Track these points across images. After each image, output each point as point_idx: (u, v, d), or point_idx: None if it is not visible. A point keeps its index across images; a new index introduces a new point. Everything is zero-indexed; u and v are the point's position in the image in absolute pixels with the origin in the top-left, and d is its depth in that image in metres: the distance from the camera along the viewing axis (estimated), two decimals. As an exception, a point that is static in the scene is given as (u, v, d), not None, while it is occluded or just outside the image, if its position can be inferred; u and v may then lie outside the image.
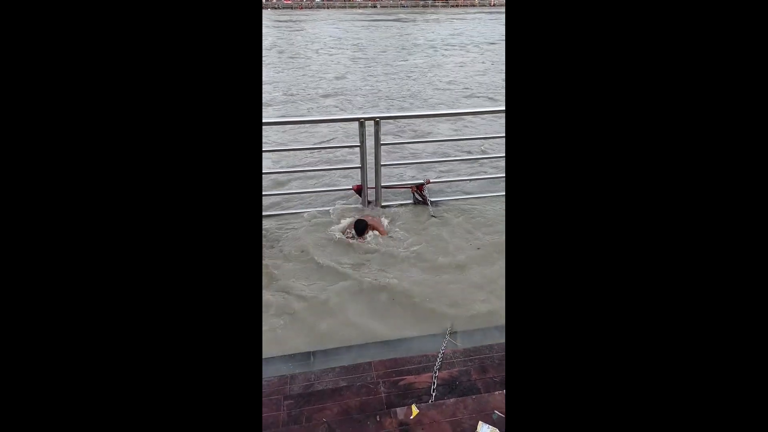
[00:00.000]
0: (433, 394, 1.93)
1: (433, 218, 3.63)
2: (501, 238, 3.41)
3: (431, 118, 6.20)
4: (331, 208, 3.71)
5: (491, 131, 5.61)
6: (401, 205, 3.81)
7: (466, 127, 6.03)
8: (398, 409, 1.79)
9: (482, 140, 5.29)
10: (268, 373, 2.34)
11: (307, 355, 2.50)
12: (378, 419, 1.74)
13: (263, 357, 2.53)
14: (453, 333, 2.50)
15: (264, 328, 2.68)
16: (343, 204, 3.78)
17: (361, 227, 3.25)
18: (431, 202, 3.79)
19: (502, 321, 2.62)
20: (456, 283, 2.97)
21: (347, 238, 3.28)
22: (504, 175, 4.16)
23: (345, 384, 2.05)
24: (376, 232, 3.32)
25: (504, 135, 3.79)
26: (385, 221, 3.49)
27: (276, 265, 3.14)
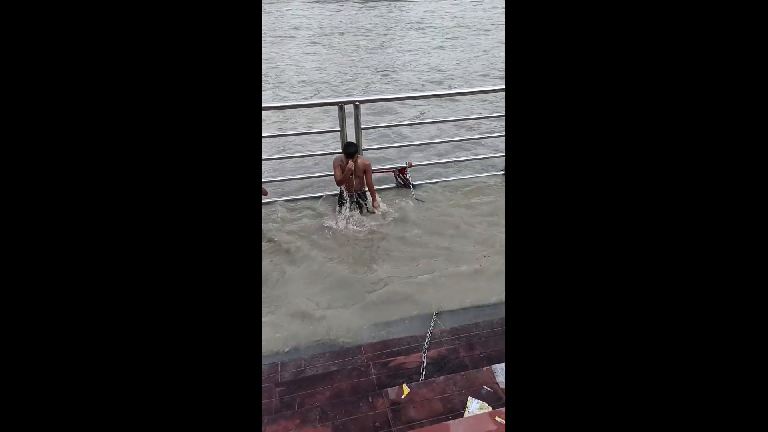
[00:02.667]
0: (423, 373, 1.97)
1: (418, 201, 3.65)
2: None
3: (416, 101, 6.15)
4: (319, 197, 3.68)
5: (475, 113, 5.63)
6: (384, 189, 3.81)
7: (454, 110, 6.03)
8: (390, 390, 1.82)
9: (464, 121, 5.29)
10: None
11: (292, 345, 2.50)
12: (370, 400, 1.77)
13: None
14: (439, 313, 2.54)
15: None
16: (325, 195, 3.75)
17: (351, 150, 3.25)
18: (413, 185, 3.79)
19: (486, 297, 2.68)
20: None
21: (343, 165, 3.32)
22: (491, 156, 4.21)
23: (335, 368, 2.07)
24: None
25: (489, 116, 3.81)
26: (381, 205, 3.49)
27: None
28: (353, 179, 3.39)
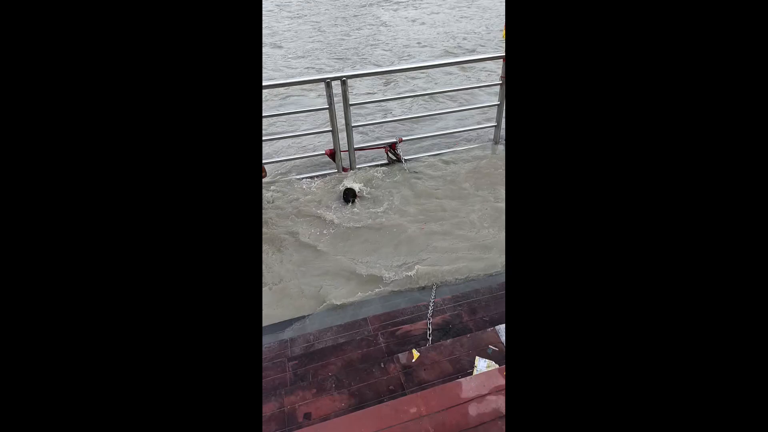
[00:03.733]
0: (430, 339, 2.05)
1: (411, 173, 3.68)
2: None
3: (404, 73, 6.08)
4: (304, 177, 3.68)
5: (466, 83, 5.59)
6: (376, 166, 3.82)
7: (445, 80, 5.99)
8: (400, 355, 1.89)
9: (456, 92, 5.27)
10: (267, 340, 2.39)
11: (301, 320, 2.56)
12: (382, 366, 1.84)
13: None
14: (440, 286, 2.61)
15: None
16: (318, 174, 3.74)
17: (350, 194, 3.29)
18: (405, 159, 3.81)
19: (483, 269, 2.76)
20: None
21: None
22: (481, 125, 4.23)
23: (344, 340, 2.13)
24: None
25: (478, 86, 3.79)
26: (356, 186, 3.51)
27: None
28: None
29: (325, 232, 3.14)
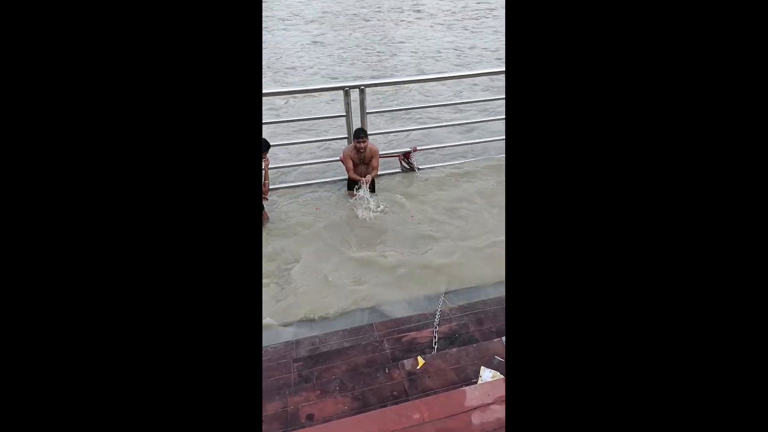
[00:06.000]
0: (435, 347, 2.04)
1: (423, 182, 3.70)
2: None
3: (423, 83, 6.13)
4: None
5: (484, 96, 5.61)
6: (389, 174, 3.85)
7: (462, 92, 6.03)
8: (405, 361, 1.89)
9: (472, 104, 5.29)
10: (273, 340, 2.40)
11: (307, 323, 2.57)
12: (387, 371, 1.84)
13: (264, 325, 2.60)
14: (447, 293, 2.61)
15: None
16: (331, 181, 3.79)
17: (361, 133, 3.31)
18: (418, 168, 3.84)
19: (491, 278, 2.75)
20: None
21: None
22: (492, 139, 4.24)
23: (349, 344, 2.13)
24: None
25: (494, 98, 3.81)
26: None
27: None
28: (362, 167, 3.43)
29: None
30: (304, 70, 7.36)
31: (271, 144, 3.20)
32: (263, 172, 3.13)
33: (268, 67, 7.38)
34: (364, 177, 3.42)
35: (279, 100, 5.43)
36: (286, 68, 7.49)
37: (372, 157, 3.42)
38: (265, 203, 3.30)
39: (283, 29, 10.02)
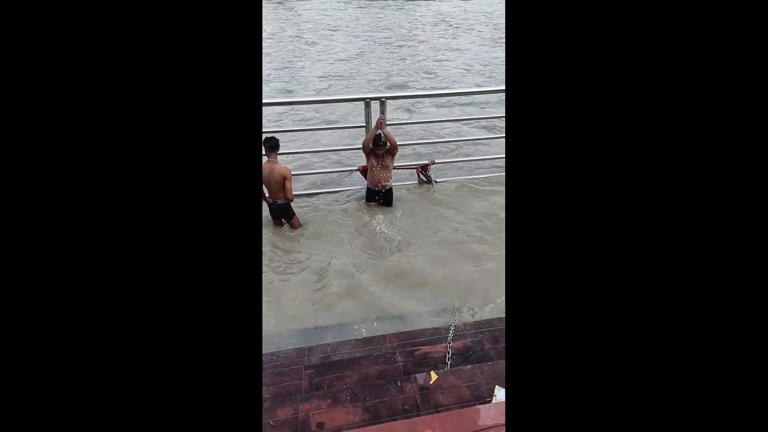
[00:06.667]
0: (449, 363, 2.01)
1: (440, 197, 3.69)
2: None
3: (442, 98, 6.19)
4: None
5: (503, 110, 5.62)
6: (406, 185, 3.85)
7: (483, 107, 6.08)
8: (418, 375, 1.86)
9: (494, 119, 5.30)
10: (284, 345, 2.40)
11: (318, 330, 2.57)
12: (399, 384, 1.82)
13: (275, 331, 2.60)
14: (461, 308, 2.58)
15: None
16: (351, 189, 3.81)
17: (380, 141, 3.37)
18: (436, 181, 3.83)
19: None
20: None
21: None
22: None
23: (362, 354, 2.11)
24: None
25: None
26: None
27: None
28: (379, 169, 3.44)
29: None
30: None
31: (279, 143, 3.20)
32: (286, 178, 3.14)
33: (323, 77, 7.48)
34: (383, 177, 3.46)
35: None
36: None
37: (391, 149, 3.45)
38: (294, 208, 3.34)
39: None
